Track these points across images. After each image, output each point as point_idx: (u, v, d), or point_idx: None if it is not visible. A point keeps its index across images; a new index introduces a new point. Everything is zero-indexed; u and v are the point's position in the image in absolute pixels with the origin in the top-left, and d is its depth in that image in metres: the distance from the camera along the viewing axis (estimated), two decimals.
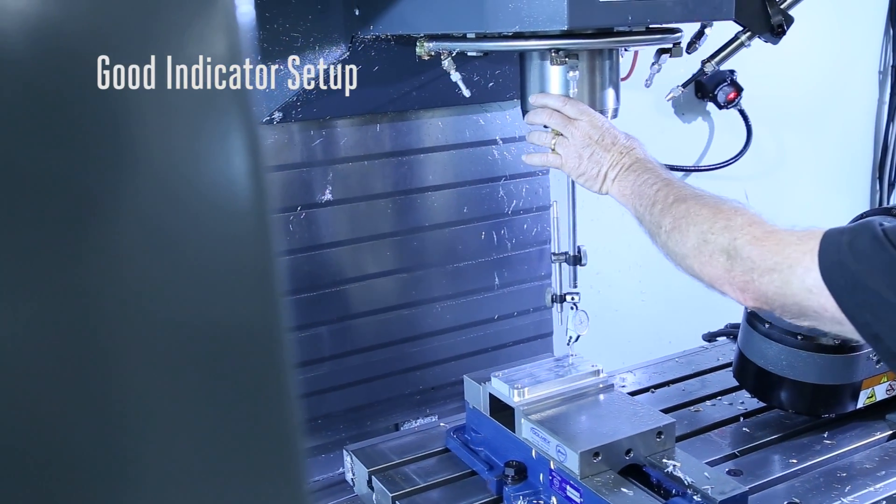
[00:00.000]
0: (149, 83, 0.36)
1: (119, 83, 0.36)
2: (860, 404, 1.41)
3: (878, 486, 1.24)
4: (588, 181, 1.19)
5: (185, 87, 0.37)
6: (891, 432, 1.40)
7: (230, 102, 0.38)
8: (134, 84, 0.36)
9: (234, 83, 0.38)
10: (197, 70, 0.37)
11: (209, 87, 0.38)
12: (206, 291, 0.38)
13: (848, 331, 0.89)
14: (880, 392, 1.42)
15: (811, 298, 0.90)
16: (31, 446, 0.35)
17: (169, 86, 0.37)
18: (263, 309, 0.39)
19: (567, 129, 1.19)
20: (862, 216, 1.48)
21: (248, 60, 0.38)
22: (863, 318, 0.86)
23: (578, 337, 1.33)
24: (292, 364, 0.40)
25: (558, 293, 1.31)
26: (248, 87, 0.38)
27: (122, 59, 0.35)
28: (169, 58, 0.37)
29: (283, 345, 0.40)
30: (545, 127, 1.21)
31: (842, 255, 0.87)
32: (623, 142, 1.18)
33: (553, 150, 1.21)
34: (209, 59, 0.37)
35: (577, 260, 1.30)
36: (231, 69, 0.38)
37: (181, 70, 0.37)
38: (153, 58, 0.36)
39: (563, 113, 1.19)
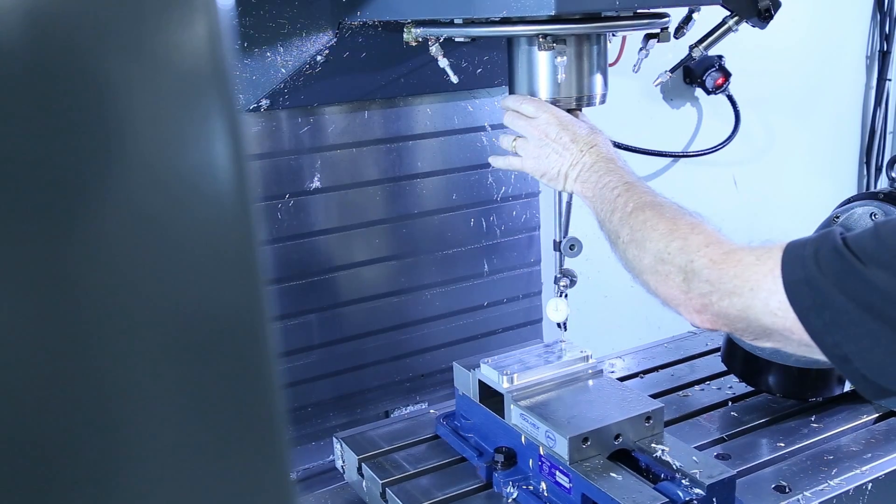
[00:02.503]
0: (134, 70, 0.36)
1: (105, 70, 0.35)
2: (847, 388, 1.43)
3: (864, 468, 1.26)
4: (551, 181, 1.16)
5: (168, 74, 0.37)
6: (877, 415, 1.41)
7: (212, 90, 0.38)
8: (120, 71, 0.36)
9: (216, 70, 0.38)
10: (179, 57, 0.37)
11: (191, 74, 0.37)
12: (190, 279, 0.38)
13: (816, 353, 0.84)
14: None
15: (776, 322, 0.85)
16: (15, 434, 0.35)
17: (152, 73, 0.37)
18: (246, 296, 0.39)
19: (525, 129, 1.17)
20: (849, 200, 1.49)
21: (230, 47, 0.38)
22: (830, 339, 0.81)
23: (562, 323, 1.33)
24: (276, 352, 0.40)
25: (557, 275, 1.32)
26: (230, 74, 0.38)
27: (108, 46, 0.35)
28: (153, 44, 0.36)
29: (267, 332, 0.40)
30: None
31: (807, 272, 0.82)
32: (584, 138, 1.13)
33: (514, 151, 1.19)
34: (191, 46, 0.37)
35: (556, 245, 1.30)
36: (212, 56, 0.37)
37: (164, 57, 0.37)
38: (138, 45, 0.36)
39: (521, 112, 1.17)
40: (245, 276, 0.39)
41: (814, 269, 0.81)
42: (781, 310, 0.84)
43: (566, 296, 1.31)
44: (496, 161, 1.25)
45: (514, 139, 1.19)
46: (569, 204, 1.26)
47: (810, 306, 0.81)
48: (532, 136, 1.16)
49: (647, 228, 1.00)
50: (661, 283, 0.97)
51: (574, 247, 1.28)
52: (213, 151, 0.38)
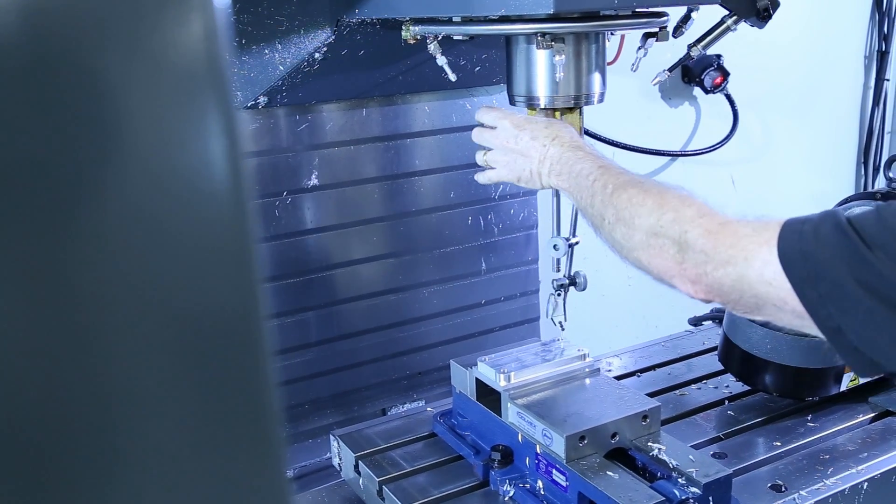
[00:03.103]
0: (131, 68, 0.36)
1: (102, 68, 0.35)
2: (843, 387, 1.43)
3: (860, 467, 1.26)
4: (528, 184, 1.18)
5: (165, 72, 0.37)
6: (873, 415, 1.41)
7: (208, 88, 0.38)
8: (117, 69, 0.36)
9: (213, 68, 0.38)
10: (176, 55, 0.37)
11: (188, 72, 0.37)
12: (186, 276, 0.38)
13: (808, 326, 0.84)
14: None
15: (770, 292, 0.85)
16: (12, 431, 0.35)
17: (149, 71, 0.37)
18: (242, 294, 0.39)
19: (490, 141, 1.20)
20: (847, 200, 1.50)
21: (226, 44, 0.38)
22: (825, 311, 0.81)
23: (559, 321, 1.33)
24: (272, 349, 0.40)
25: (569, 274, 1.32)
26: (227, 72, 0.38)
27: (105, 45, 0.35)
28: (150, 42, 0.36)
29: (263, 330, 0.40)
30: None
31: (804, 244, 0.82)
32: (543, 132, 1.14)
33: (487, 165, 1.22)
34: (188, 44, 0.37)
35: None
36: (209, 54, 0.37)
37: (161, 55, 0.37)
38: (135, 43, 0.36)
39: (484, 123, 1.20)
40: (241, 274, 0.39)
41: (812, 242, 0.82)
42: (776, 280, 0.84)
43: (560, 294, 1.32)
44: (478, 178, 1.27)
45: (485, 153, 1.22)
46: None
47: (805, 277, 0.82)
48: (496, 145, 1.19)
49: (634, 205, 1.00)
50: (655, 257, 0.97)
51: (557, 247, 1.28)
52: (210, 149, 0.38)
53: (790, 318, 0.87)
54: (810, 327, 0.84)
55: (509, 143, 1.17)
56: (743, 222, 0.91)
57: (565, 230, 1.31)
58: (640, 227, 0.98)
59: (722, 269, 0.90)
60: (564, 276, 1.31)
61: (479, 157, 1.23)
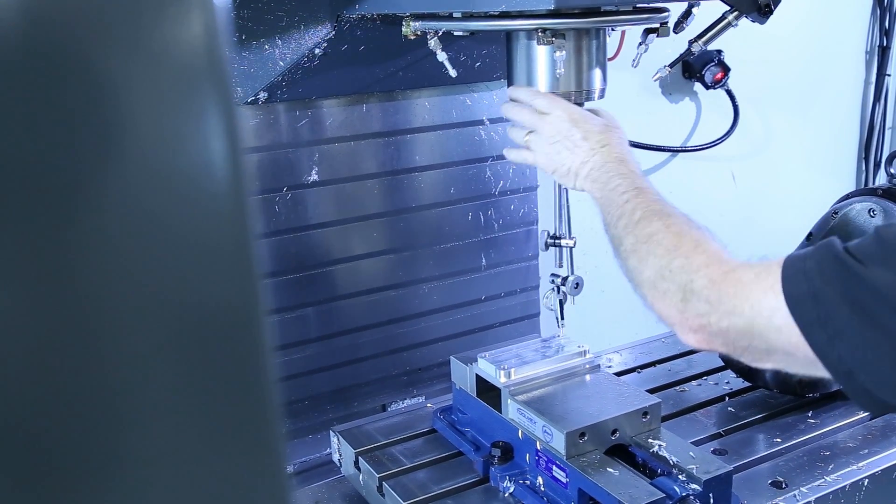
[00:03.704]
0: (131, 65, 0.36)
1: (102, 65, 0.35)
2: None
3: (861, 464, 1.26)
4: (561, 178, 1.15)
5: (165, 68, 0.37)
6: None
7: (208, 84, 0.38)
8: (117, 66, 0.36)
9: (213, 65, 0.37)
10: (176, 52, 0.37)
11: (188, 68, 0.37)
12: (185, 272, 0.38)
13: (821, 370, 0.81)
14: None
15: (780, 339, 0.83)
16: (12, 427, 0.35)
17: (149, 68, 0.36)
18: (242, 290, 0.39)
19: (537, 125, 1.15)
20: (847, 196, 1.49)
21: (226, 40, 0.38)
22: (834, 354, 0.78)
23: (556, 318, 1.34)
24: (272, 345, 0.40)
25: (572, 273, 1.32)
26: (227, 68, 0.38)
27: (105, 41, 0.35)
28: (150, 39, 0.36)
29: (263, 325, 0.40)
30: None
31: (811, 284, 0.80)
32: (596, 135, 1.11)
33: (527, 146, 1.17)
34: (188, 41, 0.37)
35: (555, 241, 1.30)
36: (209, 50, 0.37)
37: (161, 51, 0.36)
38: (135, 39, 0.36)
39: (534, 106, 1.15)
40: (241, 270, 0.39)
41: (818, 281, 0.79)
42: (787, 325, 0.82)
43: (556, 290, 1.32)
44: (510, 154, 1.23)
45: (527, 134, 1.17)
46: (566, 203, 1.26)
47: (814, 320, 0.80)
48: (544, 132, 1.14)
49: (652, 242, 0.98)
50: (659, 300, 0.97)
51: (544, 240, 1.29)
52: (210, 145, 0.38)
53: (803, 365, 0.85)
54: (823, 372, 0.82)
55: (560, 134, 1.12)
56: (746, 267, 0.89)
57: (566, 228, 1.31)
58: (651, 265, 0.98)
59: (727, 320, 0.88)
60: (563, 275, 1.31)
61: (520, 137, 1.18)
